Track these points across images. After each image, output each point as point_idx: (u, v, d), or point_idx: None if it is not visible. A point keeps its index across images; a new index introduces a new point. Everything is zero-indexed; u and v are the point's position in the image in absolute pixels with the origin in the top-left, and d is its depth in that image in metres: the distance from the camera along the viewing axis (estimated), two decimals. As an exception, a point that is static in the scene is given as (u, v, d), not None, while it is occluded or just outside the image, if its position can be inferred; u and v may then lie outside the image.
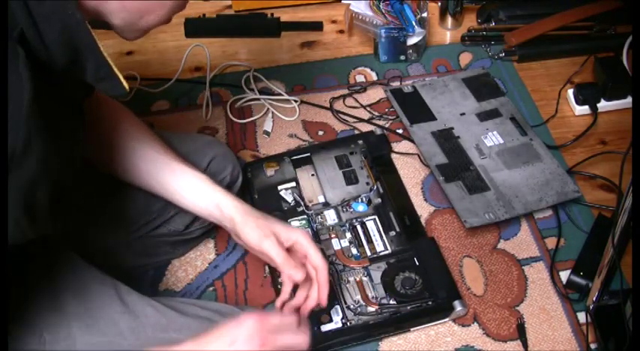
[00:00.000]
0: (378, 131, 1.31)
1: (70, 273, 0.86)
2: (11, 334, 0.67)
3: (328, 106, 1.40)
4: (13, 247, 0.61)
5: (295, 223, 1.14)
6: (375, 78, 1.47)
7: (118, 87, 0.68)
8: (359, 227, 1.14)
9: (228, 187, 1.10)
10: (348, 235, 1.13)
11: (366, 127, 1.35)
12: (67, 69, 0.64)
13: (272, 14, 1.53)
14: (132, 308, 0.85)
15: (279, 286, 1.05)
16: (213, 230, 1.18)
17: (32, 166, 0.57)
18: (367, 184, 1.21)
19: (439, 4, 1.57)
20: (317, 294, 0.88)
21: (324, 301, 0.87)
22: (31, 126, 0.56)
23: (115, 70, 0.67)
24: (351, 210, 1.17)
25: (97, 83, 0.68)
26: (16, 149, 0.55)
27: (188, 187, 0.94)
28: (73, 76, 0.66)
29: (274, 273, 1.08)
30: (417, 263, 1.07)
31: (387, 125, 1.35)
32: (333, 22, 1.61)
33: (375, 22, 1.44)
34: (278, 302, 0.90)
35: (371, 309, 1.03)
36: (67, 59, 0.63)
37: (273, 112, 1.39)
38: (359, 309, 1.03)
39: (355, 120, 1.37)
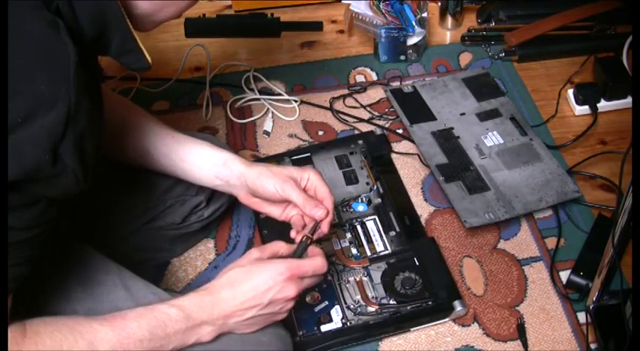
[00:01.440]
0: (378, 131, 1.31)
1: (76, 259, 0.87)
2: (13, 322, 0.69)
3: (328, 106, 1.40)
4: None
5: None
6: (375, 78, 1.47)
7: (142, 60, 0.72)
8: (359, 227, 1.14)
9: None
10: (348, 235, 1.13)
11: (366, 127, 1.35)
12: (93, 43, 0.67)
13: (272, 14, 1.52)
14: (134, 294, 0.86)
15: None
16: (212, 230, 1.18)
17: (83, 120, 0.62)
18: (367, 184, 1.21)
19: (439, 4, 1.57)
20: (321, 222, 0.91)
21: (326, 228, 0.90)
22: (78, 86, 0.61)
23: (140, 44, 0.71)
24: (351, 210, 1.17)
25: (121, 57, 0.71)
26: (71, 107, 0.60)
27: (192, 152, 0.96)
28: (97, 50, 0.70)
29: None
30: (417, 263, 1.07)
31: (387, 125, 1.35)
32: (333, 22, 1.61)
33: (375, 22, 1.44)
34: (293, 233, 0.93)
35: (371, 309, 1.03)
36: (95, 33, 0.66)
37: (273, 112, 1.39)
38: (359, 309, 1.03)
39: (355, 120, 1.37)
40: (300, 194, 0.90)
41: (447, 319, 1.05)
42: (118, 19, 0.67)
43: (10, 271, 0.64)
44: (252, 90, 1.43)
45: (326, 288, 1.05)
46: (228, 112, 1.39)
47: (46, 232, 0.68)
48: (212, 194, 1.09)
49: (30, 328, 0.70)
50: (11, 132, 0.58)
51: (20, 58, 0.59)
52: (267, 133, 1.35)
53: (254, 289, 0.80)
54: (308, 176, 0.93)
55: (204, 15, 1.52)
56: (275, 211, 0.96)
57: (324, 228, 0.90)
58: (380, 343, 1.04)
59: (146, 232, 1.08)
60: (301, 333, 1.00)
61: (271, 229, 1.12)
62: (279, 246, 0.86)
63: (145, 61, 0.72)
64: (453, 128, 1.30)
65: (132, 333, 0.74)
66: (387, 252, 1.11)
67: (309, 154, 1.26)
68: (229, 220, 1.20)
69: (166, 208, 1.07)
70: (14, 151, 0.58)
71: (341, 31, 1.59)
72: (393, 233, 1.13)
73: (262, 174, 0.92)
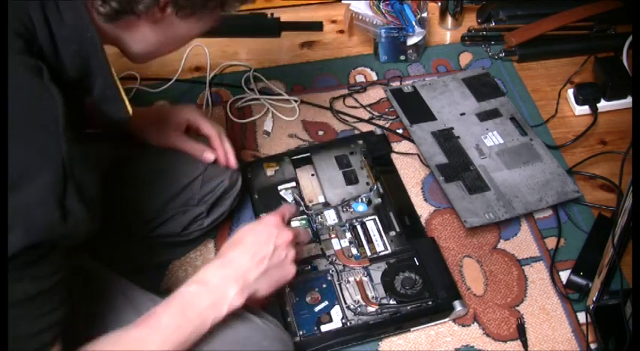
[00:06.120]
0: (378, 131, 1.31)
1: (76, 270, 0.86)
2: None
3: (328, 106, 1.40)
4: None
5: (295, 223, 1.14)
6: (375, 78, 1.47)
7: (122, 111, 0.71)
8: (359, 227, 1.14)
9: (227, 191, 1.10)
10: (348, 235, 1.13)
11: (366, 127, 1.35)
12: (77, 83, 0.66)
13: (272, 14, 1.52)
14: (134, 302, 0.86)
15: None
16: (213, 231, 1.18)
17: (79, 169, 0.61)
18: (367, 184, 1.21)
19: (439, 4, 1.57)
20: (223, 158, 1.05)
21: (232, 163, 1.06)
22: (67, 138, 0.60)
23: (123, 94, 0.69)
24: (351, 210, 1.17)
25: (102, 102, 0.70)
26: (65, 163, 0.59)
27: None
28: (81, 91, 0.69)
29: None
30: (417, 263, 1.07)
31: (387, 125, 1.35)
32: (333, 22, 1.61)
33: (375, 22, 1.44)
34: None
35: (371, 309, 1.03)
36: (78, 76, 0.66)
37: (273, 112, 1.39)
38: (359, 309, 1.03)
39: (355, 120, 1.37)
40: (184, 146, 1.04)
41: (447, 319, 1.05)
42: (101, 65, 0.66)
43: (51, 316, 0.65)
44: (252, 90, 1.43)
45: (326, 288, 1.05)
46: (228, 112, 1.39)
47: (68, 273, 0.67)
48: (213, 204, 1.09)
49: None
50: (14, 193, 0.57)
51: (7, 118, 0.57)
52: (267, 133, 1.35)
53: (257, 241, 0.83)
54: (187, 118, 1.03)
55: (204, 15, 1.51)
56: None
57: (230, 163, 1.02)
58: (380, 343, 1.04)
59: (146, 240, 1.08)
60: (301, 333, 1.00)
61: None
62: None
63: (125, 112, 0.71)
64: (453, 128, 1.30)
65: (168, 325, 0.74)
66: (387, 252, 1.11)
67: (309, 154, 1.26)
68: (229, 221, 1.20)
69: (167, 219, 1.07)
70: (24, 215, 0.58)
71: (341, 31, 1.59)
72: (393, 233, 1.13)
73: (149, 139, 1.05)
